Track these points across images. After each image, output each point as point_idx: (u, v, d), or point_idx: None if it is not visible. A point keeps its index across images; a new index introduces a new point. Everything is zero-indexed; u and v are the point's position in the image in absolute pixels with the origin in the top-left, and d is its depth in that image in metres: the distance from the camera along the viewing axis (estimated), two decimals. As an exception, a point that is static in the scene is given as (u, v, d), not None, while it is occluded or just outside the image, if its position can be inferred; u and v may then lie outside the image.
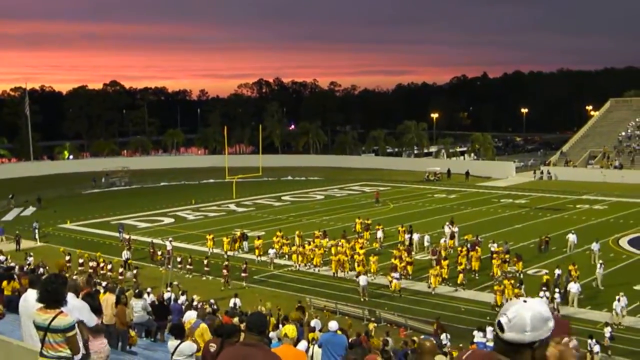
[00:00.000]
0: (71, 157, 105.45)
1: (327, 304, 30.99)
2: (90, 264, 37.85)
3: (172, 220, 55.09)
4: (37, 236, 47.67)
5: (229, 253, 40.86)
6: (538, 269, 36.37)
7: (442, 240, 40.47)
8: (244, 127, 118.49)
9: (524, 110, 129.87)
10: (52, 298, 6.19)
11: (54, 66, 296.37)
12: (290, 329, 9.00)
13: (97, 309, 8.25)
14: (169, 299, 27.04)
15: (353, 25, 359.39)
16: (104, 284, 27.40)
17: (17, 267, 31.70)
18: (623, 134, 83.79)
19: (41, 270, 31.05)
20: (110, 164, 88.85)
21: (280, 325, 20.51)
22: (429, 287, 32.92)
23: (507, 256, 35.68)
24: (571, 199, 61.44)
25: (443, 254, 36.83)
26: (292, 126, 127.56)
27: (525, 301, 3.00)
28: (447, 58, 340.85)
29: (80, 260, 37.89)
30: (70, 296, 6.86)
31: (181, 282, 34.29)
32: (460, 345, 24.96)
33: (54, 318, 6.07)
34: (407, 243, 41.35)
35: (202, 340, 12.31)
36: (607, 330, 24.62)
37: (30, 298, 7.10)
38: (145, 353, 15.18)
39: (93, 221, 55.02)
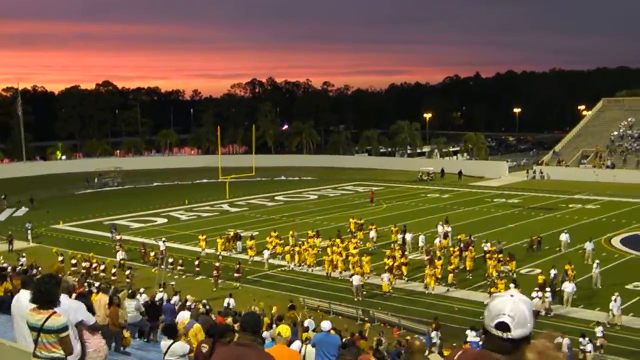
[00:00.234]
0: (64, 157, 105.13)
1: (320, 304, 31.00)
2: (83, 264, 37.80)
3: (165, 220, 55.00)
4: (29, 237, 47.52)
5: (224, 253, 40.87)
6: (531, 269, 36.49)
7: (436, 240, 40.52)
8: (237, 127, 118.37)
9: (517, 110, 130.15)
10: (46, 299, 6.18)
11: (46, 66, 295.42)
12: (284, 329, 9.01)
13: (90, 309, 8.23)
14: (161, 299, 27.02)
15: (346, 25, 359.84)
16: (96, 284, 27.41)
17: (9, 267, 31.63)
18: (615, 133, 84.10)
19: (34, 271, 31.01)
20: (103, 164, 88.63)
21: (274, 325, 20.52)
22: (426, 287, 32.88)
23: (500, 256, 35.77)
24: (564, 199, 61.63)
25: (438, 253, 36.92)
26: (286, 126, 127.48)
27: (512, 295, 3.01)
28: (440, 58, 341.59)
29: (73, 261, 37.84)
30: (64, 297, 6.85)
31: (174, 282, 34.28)
32: (454, 344, 25.03)
33: (47, 318, 6.06)
34: (399, 243, 41.39)
35: (196, 340, 12.31)
36: (599, 330, 24.69)
37: (23, 299, 7.08)
38: (138, 353, 15.17)
39: (86, 221, 54.88)
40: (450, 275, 33.55)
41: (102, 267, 37.33)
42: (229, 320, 19.56)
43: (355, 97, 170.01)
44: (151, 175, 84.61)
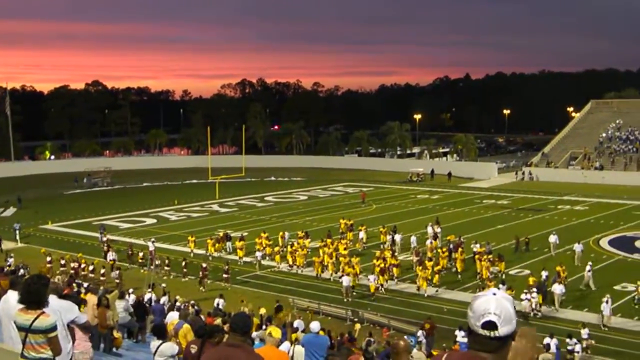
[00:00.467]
0: (52, 157, 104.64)
1: (310, 305, 31.00)
2: (72, 264, 37.63)
3: (155, 220, 54.84)
4: (17, 237, 47.27)
5: (215, 254, 40.79)
6: (520, 269, 36.64)
7: (427, 242, 40.45)
8: (227, 127, 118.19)
9: (506, 112, 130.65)
10: (34, 299, 6.15)
11: (35, 66, 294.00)
12: (275, 330, 9.03)
13: (79, 308, 8.23)
14: (149, 299, 26.94)
15: (336, 26, 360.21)
16: (85, 285, 27.28)
17: (-3, 268, 31.42)
18: (604, 135, 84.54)
19: (22, 271, 30.83)
20: (92, 164, 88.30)
21: (264, 326, 20.51)
22: (418, 289, 32.86)
23: (490, 256, 35.85)
24: (552, 200, 61.90)
25: (429, 254, 36.94)
26: (276, 127, 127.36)
27: (494, 294, 3.02)
28: (430, 59, 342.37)
29: (62, 261, 37.65)
30: (53, 298, 6.82)
31: (164, 284, 34.22)
32: (444, 345, 25.10)
33: (35, 318, 6.04)
34: (389, 244, 41.37)
35: (186, 340, 12.29)
36: (585, 332, 24.77)
37: (10, 299, 7.05)
38: (127, 354, 15.12)
39: (75, 222, 54.64)
40: (437, 276, 33.55)
41: (90, 267, 37.18)
42: (218, 321, 19.53)
43: (346, 98, 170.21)
44: (141, 176, 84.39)
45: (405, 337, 25.50)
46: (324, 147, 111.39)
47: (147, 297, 27.36)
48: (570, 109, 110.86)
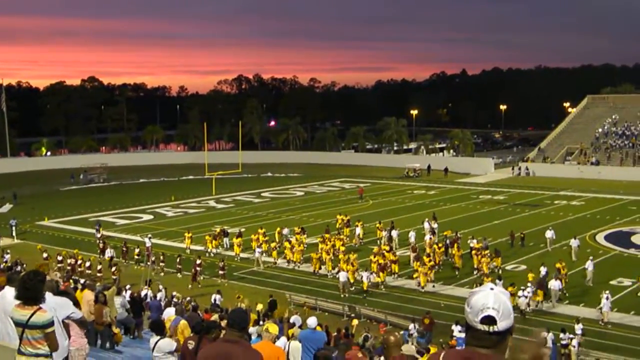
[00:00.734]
0: (49, 153, 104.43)
1: (307, 300, 31.03)
2: (69, 261, 37.61)
3: (152, 217, 54.82)
4: (14, 233, 47.21)
5: (213, 250, 40.75)
6: (516, 265, 36.71)
7: (426, 238, 40.25)
8: (224, 123, 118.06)
9: (503, 107, 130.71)
10: (31, 295, 6.15)
11: (30, 62, 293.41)
12: (272, 326, 9.04)
13: (76, 304, 8.21)
14: (145, 295, 26.95)
15: (333, 22, 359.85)
16: (82, 281, 27.27)
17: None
18: (600, 130, 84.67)
19: (18, 267, 30.81)
20: (88, 160, 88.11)
21: (261, 322, 20.51)
22: (419, 285, 32.75)
23: (487, 252, 35.87)
24: (549, 195, 61.98)
25: (428, 250, 36.93)
26: (273, 122, 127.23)
27: (492, 289, 3.02)
28: (426, 55, 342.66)
29: (59, 258, 37.63)
30: (48, 295, 6.81)
31: (160, 280, 34.24)
32: (441, 340, 25.15)
33: (32, 314, 6.04)
34: (385, 240, 41.33)
35: (183, 336, 12.28)
36: (578, 327, 24.80)
37: (7, 296, 7.04)
38: (125, 350, 15.12)
39: (71, 218, 54.57)
40: (431, 272, 33.55)
41: (87, 264, 37.15)
42: (215, 316, 19.53)
43: (342, 93, 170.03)
44: (137, 172, 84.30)
45: (403, 332, 25.59)
46: (320, 143, 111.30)
47: (144, 293, 27.36)
48: (567, 104, 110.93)
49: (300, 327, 18.33)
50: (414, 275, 33.93)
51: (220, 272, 35.47)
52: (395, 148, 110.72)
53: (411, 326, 26.01)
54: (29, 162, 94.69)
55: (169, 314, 18.56)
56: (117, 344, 14.96)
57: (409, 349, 10.86)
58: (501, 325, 2.94)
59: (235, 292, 31.28)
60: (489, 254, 35.28)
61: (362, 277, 32.71)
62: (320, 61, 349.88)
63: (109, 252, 39.00)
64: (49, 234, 48.76)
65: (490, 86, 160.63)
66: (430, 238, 40.05)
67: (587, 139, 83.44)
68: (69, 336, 7.46)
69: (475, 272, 34.64)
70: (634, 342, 25.24)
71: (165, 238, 45.73)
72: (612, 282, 32.49)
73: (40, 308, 6.13)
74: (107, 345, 14.91)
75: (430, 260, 34.10)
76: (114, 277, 34.39)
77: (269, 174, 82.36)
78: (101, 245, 41.53)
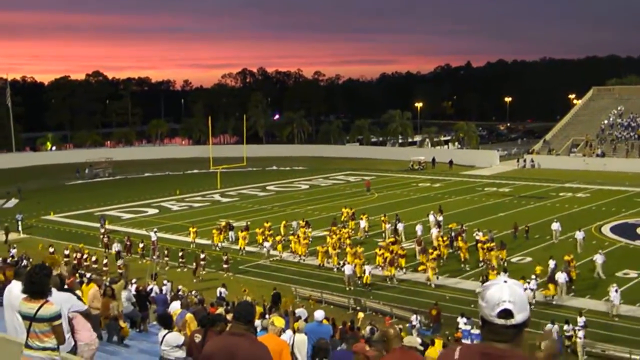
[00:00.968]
0: (54, 148, 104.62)
1: (312, 294, 31.07)
2: (75, 255, 37.72)
3: (157, 210, 54.92)
4: (20, 228, 47.34)
5: (220, 244, 40.71)
6: (522, 257, 36.67)
7: (433, 231, 39.89)
8: (228, 117, 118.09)
9: (508, 99, 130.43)
10: (37, 289, 6.18)
11: (35, 57, 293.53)
12: (277, 319, 9.05)
13: (78, 298, 8.25)
14: (151, 290, 27.00)
15: (337, 14, 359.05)
16: (88, 275, 27.35)
17: (0, 259, 31.54)
18: (605, 122, 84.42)
19: (24, 262, 30.92)
20: (93, 154, 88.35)
21: (267, 315, 20.55)
22: (428, 280, 32.51)
23: (493, 244, 35.79)
24: (554, 187, 61.85)
25: (435, 243, 36.84)
26: (277, 116, 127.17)
27: (505, 281, 3.00)
28: (431, 47, 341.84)
29: (66, 252, 37.76)
30: (52, 290, 6.84)
31: (164, 273, 34.36)
32: (447, 332, 25.18)
33: (40, 307, 6.07)
34: (389, 233, 41.26)
35: (190, 330, 12.32)
36: (581, 320, 24.74)
37: (14, 290, 7.07)
38: (131, 344, 15.16)
39: (77, 212, 54.70)
40: (427, 264, 33.49)
41: (93, 258, 37.27)
42: (221, 310, 19.58)
43: (347, 86, 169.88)
44: (142, 166, 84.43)
45: (408, 325, 25.63)
46: (325, 136, 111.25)
47: (150, 287, 27.41)
48: (572, 96, 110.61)
49: (305, 320, 18.37)
50: (419, 268, 33.92)
51: (225, 265, 35.55)
52: (400, 141, 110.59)
53: (413, 317, 26.10)
54: (34, 157, 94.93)
55: (175, 307, 18.62)
56: (125, 338, 14.99)
57: (413, 340, 10.88)
58: (518, 317, 2.93)
59: (240, 286, 31.33)
60: (493, 247, 35.18)
61: (364, 271, 32.65)
62: (324, 54, 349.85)
63: (116, 247, 38.97)
64: (55, 229, 48.89)
65: (495, 78, 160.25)
66: (438, 231, 39.82)
67: (593, 130, 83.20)
68: (75, 330, 7.49)
69: (481, 265, 34.56)
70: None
71: (170, 232, 45.81)
72: (618, 274, 32.43)
73: (47, 301, 6.16)
74: (115, 339, 14.95)
75: (434, 252, 34.07)
76: (120, 271, 34.44)
77: (274, 168, 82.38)
78: (105, 239, 41.58)
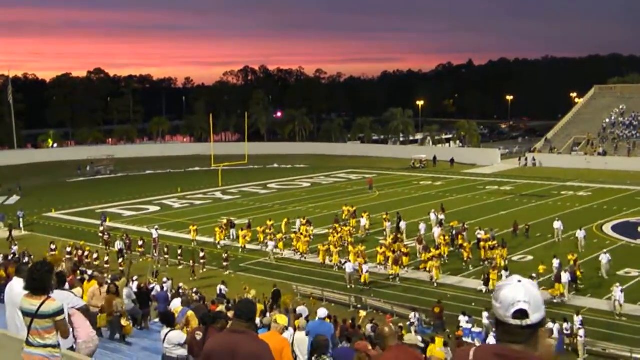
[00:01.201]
0: (55, 145, 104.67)
1: (313, 291, 31.08)
2: (76, 252, 37.74)
3: (158, 208, 54.94)
4: (21, 225, 47.38)
5: (222, 242, 40.65)
6: (522, 255, 36.64)
7: (437, 230, 39.52)
8: (230, 115, 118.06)
9: (509, 98, 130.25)
10: (39, 285, 6.18)
11: (37, 54, 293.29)
12: (280, 317, 9.05)
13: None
14: (153, 288, 27.01)
15: (339, 12, 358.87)
16: (89, 272, 27.37)
17: (1, 256, 31.63)
18: (607, 120, 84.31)
19: (26, 259, 30.98)
20: (95, 152, 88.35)
21: (268, 313, 20.57)
22: (432, 279, 32.39)
23: (494, 242, 35.75)
24: (555, 186, 61.79)
25: (439, 241, 36.77)
26: (279, 114, 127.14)
27: (520, 281, 2.96)
28: (433, 45, 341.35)
29: (68, 249, 37.78)
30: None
31: (165, 270, 34.40)
32: (447, 330, 25.20)
33: (42, 304, 6.07)
34: (389, 231, 41.21)
35: (191, 327, 12.32)
36: (578, 319, 24.71)
37: (15, 287, 7.07)
38: (133, 341, 15.16)
39: (78, 210, 54.73)
40: (430, 263, 33.48)
41: (94, 255, 37.27)
42: (222, 307, 19.59)
43: (348, 84, 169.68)
44: (144, 163, 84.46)
45: (408, 323, 25.63)
46: (326, 134, 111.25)
47: (152, 287, 27.41)
48: (574, 95, 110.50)
49: (306, 318, 18.37)
50: (421, 267, 33.89)
51: (225, 263, 35.55)
52: (401, 139, 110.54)
53: (412, 315, 26.12)
54: (35, 154, 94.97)
55: (176, 305, 18.61)
56: (127, 336, 14.98)
57: (413, 338, 10.88)
58: (533, 317, 2.89)
59: (241, 284, 31.35)
60: (495, 245, 35.14)
61: (362, 270, 32.52)
62: (326, 52, 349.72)
63: (118, 244, 38.82)
64: (56, 226, 48.93)
65: (496, 77, 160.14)
66: (440, 230, 39.65)
67: (594, 129, 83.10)
68: (74, 327, 7.49)
69: (482, 264, 34.49)
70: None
71: (172, 229, 45.82)
72: (620, 273, 32.38)
73: (49, 297, 6.16)
74: (117, 336, 14.96)
75: (436, 250, 34.08)
76: (121, 268, 34.46)
77: (275, 165, 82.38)
78: (106, 237, 41.52)
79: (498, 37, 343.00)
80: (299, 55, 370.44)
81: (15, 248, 38.19)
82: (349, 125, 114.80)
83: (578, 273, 30.76)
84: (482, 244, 35.69)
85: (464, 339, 23.86)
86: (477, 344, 23.52)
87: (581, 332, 23.67)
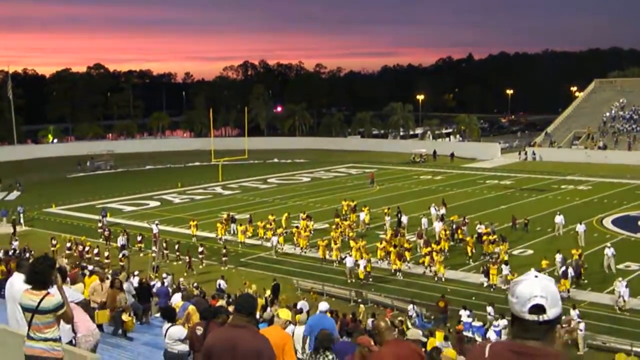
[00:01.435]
0: (55, 140, 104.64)
1: (313, 286, 31.11)
2: (76, 247, 37.78)
3: (158, 203, 54.95)
4: (22, 220, 47.41)
5: (222, 237, 40.63)
6: (523, 249, 36.63)
7: (438, 224, 39.45)
8: (230, 109, 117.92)
9: (509, 92, 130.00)
10: (40, 279, 6.20)
11: (36, 49, 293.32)
12: (283, 312, 9.06)
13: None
14: (154, 285, 27.02)
15: (338, 7, 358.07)
16: (90, 267, 27.42)
17: (2, 251, 31.66)
18: (607, 114, 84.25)
19: (26, 254, 31.03)
20: (95, 147, 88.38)
21: (269, 308, 20.61)
22: (435, 274, 32.23)
23: (495, 237, 35.74)
24: (556, 180, 61.78)
25: (441, 235, 36.76)
26: (279, 108, 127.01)
27: (536, 276, 2.94)
28: (432, 40, 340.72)
29: (68, 244, 37.82)
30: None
31: (166, 265, 34.43)
32: (447, 324, 25.21)
33: (42, 299, 6.08)
34: (389, 226, 41.21)
35: (193, 322, 12.33)
36: (575, 314, 24.71)
37: (16, 283, 7.09)
38: (133, 336, 15.17)
39: (78, 205, 54.76)
40: (427, 258, 33.51)
41: (95, 250, 37.28)
42: (222, 302, 19.63)
43: (348, 79, 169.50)
44: (144, 158, 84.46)
45: (407, 316, 25.64)
46: (326, 128, 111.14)
47: (153, 284, 27.41)
48: (574, 89, 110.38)
49: (307, 312, 18.39)
50: (420, 261, 33.88)
51: (223, 258, 35.56)
52: (401, 133, 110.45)
53: (410, 307, 26.15)
54: (35, 150, 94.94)
55: (176, 300, 18.63)
56: (128, 331, 14.98)
57: (415, 333, 10.90)
58: (551, 313, 2.88)
59: (241, 279, 31.40)
60: (495, 239, 35.16)
61: (358, 266, 32.38)
62: (326, 46, 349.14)
63: (121, 240, 38.62)
64: (57, 221, 48.95)
65: (496, 71, 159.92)
66: (441, 224, 39.61)
67: (595, 123, 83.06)
68: (74, 321, 7.50)
69: (482, 258, 34.50)
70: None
71: (172, 224, 45.84)
72: (620, 267, 32.35)
73: (48, 293, 6.18)
74: (119, 331, 14.96)
75: (437, 245, 34.10)
76: (122, 263, 34.51)
77: (275, 160, 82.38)
78: (106, 233, 41.48)
79: (498, 31, 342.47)
80: (298, 50, 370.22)
81: (15, 244, 38.22)
82: (349, 120, 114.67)
83: (582, 269, 30.68)
84: (485, 237, 35.61)
85: (465, 333, 23.89)
86: (478, 338, 23.60)
87: (581, 326, 23.67)
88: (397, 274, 32.78)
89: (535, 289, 2.89)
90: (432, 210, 43.68)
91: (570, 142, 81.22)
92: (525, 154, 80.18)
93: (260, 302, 22.95)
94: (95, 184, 66.74)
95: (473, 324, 24.41)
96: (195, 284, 29.04)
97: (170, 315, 11.56)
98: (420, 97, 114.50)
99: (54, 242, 37.91)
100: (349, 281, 32.05)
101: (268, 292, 27.31)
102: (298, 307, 21.56)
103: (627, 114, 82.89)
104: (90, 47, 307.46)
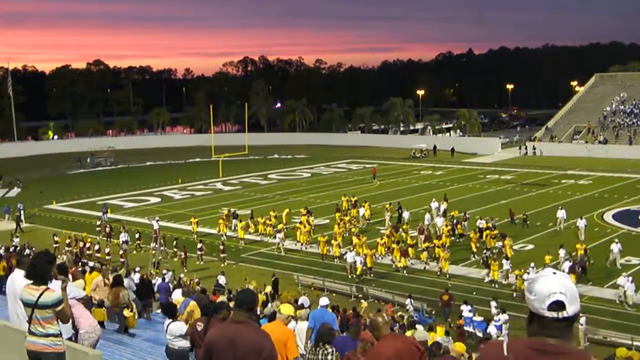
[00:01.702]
0: (56, 137, 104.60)
1: (314, 282, 31.13)
2: (77, 244, 37.78)
3: (159, 199, 54.96)
4: (22, 217, 47.37)
5: (224, 234, 40.59)
6: (523, 244, 36.62)
7: (440, 220, 39.52)
8: (230, 105, 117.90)
9: (510, 87, 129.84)
10: (39, 274, 6.21)
11: (36, 45, 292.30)
12: (285, 307, 9.04)
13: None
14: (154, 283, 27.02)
15: (338, 2, 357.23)
16: (90, 264, 27.43)
17: (2, 248, 31.70)
18: (608, 109, 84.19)
19: (27, 251, 31.04)
20: (95, 144, 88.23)
21: (270, 304, 20.61)
22: (440, 270, 32.16)
23: (495, 232, 35.71)
24: (556, 175, 61.77)
25: (440, 232, 36.74)
26: (279, 104, 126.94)
27: (554, 273, 2.93)
28: (433, 35, 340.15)
29: (67, 241, 37.81)
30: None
31: (167, 262, 34.45)
32: (449, 320, 25.23)
33: (41, 294, 6.09)
34: (388, 221, 41.19)
35: (193, 318, 12.34)
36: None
37: (16, 279, 7.09)
38: (135, 332, 15.18)
39: (79, 201, 54.77)
40: (425, 254, 33.49)
41: (96, 247, 37.28)
42: (222, 298, 19.63)
43: (348, 74, 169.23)
44: (144, 155, 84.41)
45: (409, 311, 25.66)
46: (327, 124, 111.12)
47: (154, 280, 27.42)
48: (574, 83, 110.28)
49: (308, 307, 18.38)
50: (420, 256, 33.85)
51: (221, 255, 35.53)
52: (401, 129, 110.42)
53: (407, 301, 26.18)
54: (36, 146, 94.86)
55: (177, 296, 18.64)
56: (129, 328, 14.98)
57: (422, 335, 10.94)
58: (570, 309, 2.86)
59: (242, 274, 31.42)
60: (495, 235, 35.14)
61: (356, 262, 32.31)
62: (325, 42, 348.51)
63: (123, 236, 38.48)
64: (57, 218, 48.97)
65: (497, 66, 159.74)
66: (443, 220, 39.56)
67: (595, 117, 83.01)
68: (75, 318, 7.51)
69: (485, 253, 34.44)
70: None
71: (173, 220, 45.85)
72: (621, 261, 32.40)
73: (48, 288, 6.19)
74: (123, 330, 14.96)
75: (438, 240, 34.12)
76: (122, 259, 34.52)
77: (276, 156, 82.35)
78: (107, 229, 41.40)
79: (498, 25, 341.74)
80: (298, 45, 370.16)
81: (16, 240, 38.23)
82: (349, 115, 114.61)
83: (587, 264, 30.63)
84: (487, 232, 35.54)
85: (465, 328, 23.92)
86: (479, 333, 23.62)
87: (582, 320, 23.69)
88: (403, 271, 32.67)
89: (555, 286, 2.87)
90: (433, 205, 43.65)
91: (571, 136, 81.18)
92: (526, 148, 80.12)
93: (261, 298, 22.97)
94: (96, 180, 66.72)
95: (474, 318, 24.42)
96: (197, 280, 29.06)
97: (171, 311, 11.56)
98: (421, 92, 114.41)
99: (56, 238, 37.91)
100: (349, 276, 32.05)
101: (268, 288, 27.32)
102: (299, 302, 21.59)
103: (628, 108, 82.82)
104: (90, 43, 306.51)
